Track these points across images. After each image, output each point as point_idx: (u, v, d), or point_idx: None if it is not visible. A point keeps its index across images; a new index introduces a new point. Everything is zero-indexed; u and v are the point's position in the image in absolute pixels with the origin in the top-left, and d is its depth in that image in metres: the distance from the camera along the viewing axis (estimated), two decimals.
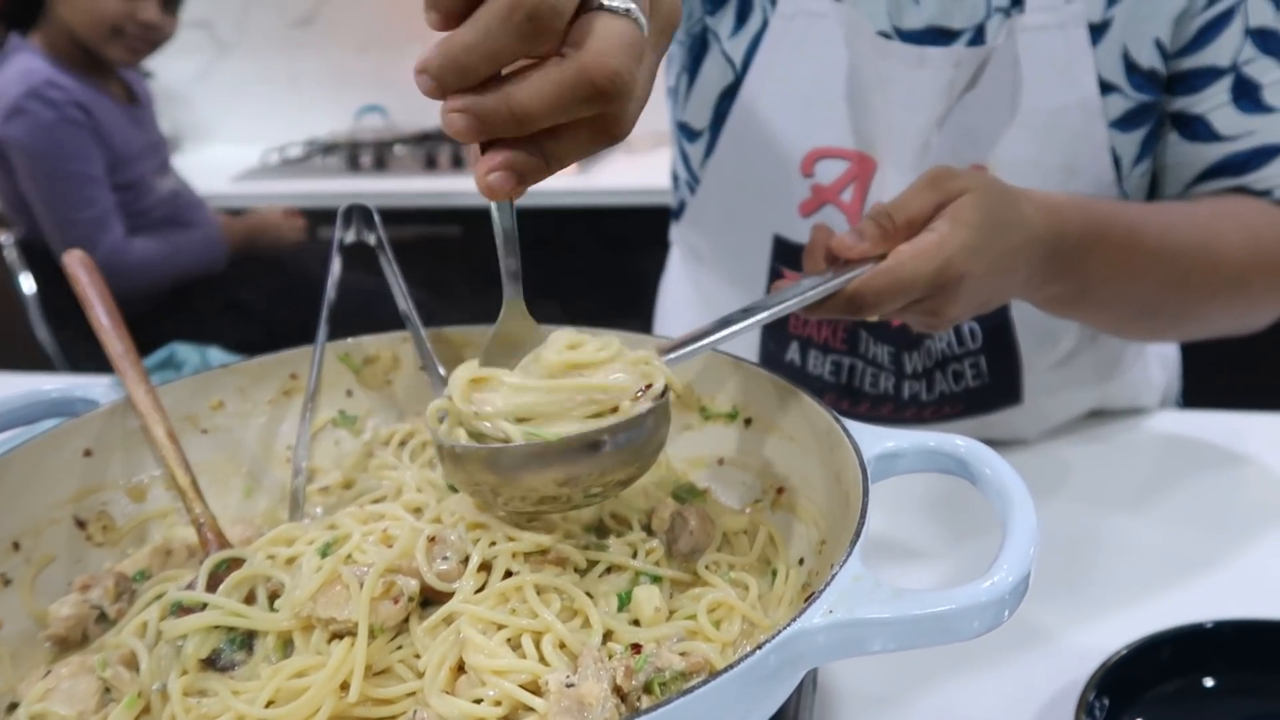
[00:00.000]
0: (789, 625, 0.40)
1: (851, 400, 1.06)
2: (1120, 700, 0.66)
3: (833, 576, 0.43)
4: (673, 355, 0.60)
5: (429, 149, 3.28)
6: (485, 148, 0.49)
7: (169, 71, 3.92)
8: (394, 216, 3.23)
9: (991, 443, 0.94)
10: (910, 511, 0.93)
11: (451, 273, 2.95)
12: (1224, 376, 1.54)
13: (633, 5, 0.46)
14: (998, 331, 1.01)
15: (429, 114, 3.54)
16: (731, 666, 0.38)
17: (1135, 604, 0.79)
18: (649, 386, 0.55)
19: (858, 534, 0.46)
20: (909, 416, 1.06)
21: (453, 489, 0.66)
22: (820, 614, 0.41)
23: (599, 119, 0.48)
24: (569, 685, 0.45)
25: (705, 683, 0.37)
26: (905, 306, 0.71)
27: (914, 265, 0.68)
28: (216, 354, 1.44)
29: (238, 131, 3.64)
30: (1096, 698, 0.65)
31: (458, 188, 3.00)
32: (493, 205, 0.55)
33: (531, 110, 0.46)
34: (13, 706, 0.52)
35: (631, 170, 2.97)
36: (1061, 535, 0.89)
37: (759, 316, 0.64)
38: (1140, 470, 1.03)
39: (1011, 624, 0.75)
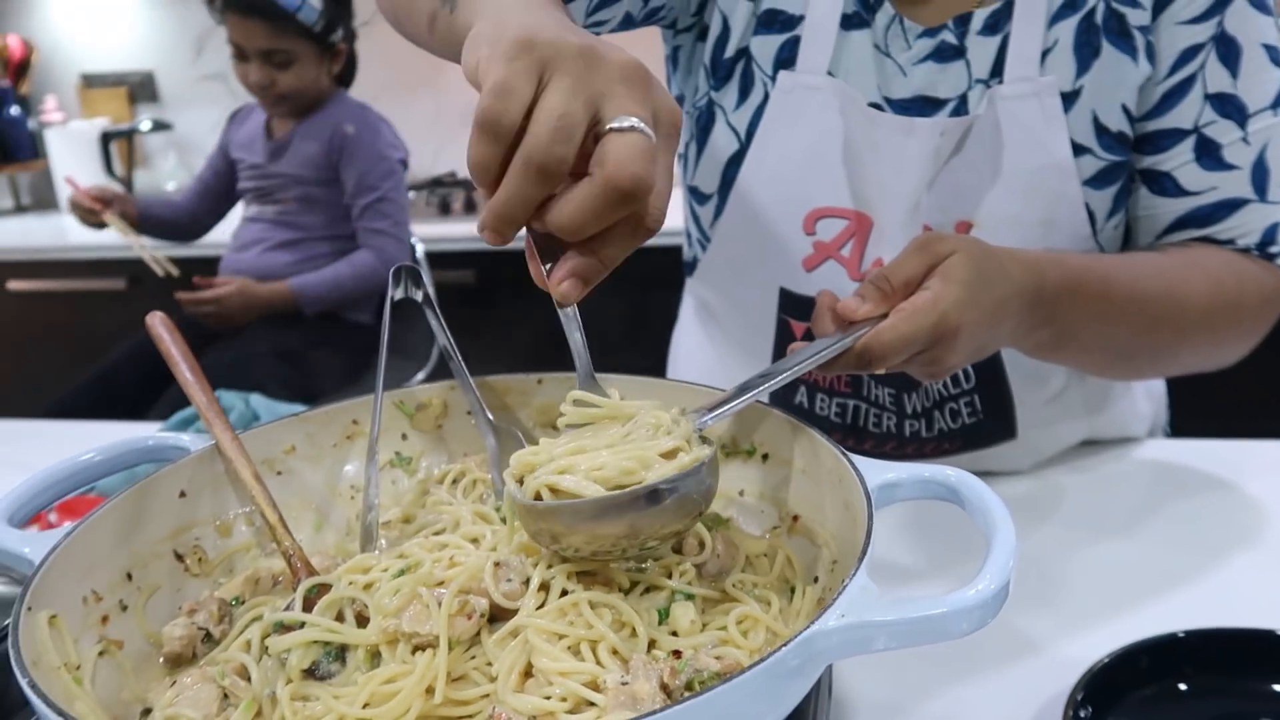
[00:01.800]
0: (808, 628, 0.49)
1: (857, 438, 1.13)
2: (1104, 704, 0.74)
3: (844, 587, 0.51)
4: (706, 418, 0.68)
5: (443, 195, 3.37)
6: (548, 263, 0.60)
7: (186, 122, 4.05)
8: None
9: (988, 474, 1.02)
10: (908, 538, 1.00)
11: (466, 318, 3.04)
12: (1212, 406, 1.62)
13: (635, 120, 0.56)
14: (990, 372, 1.08)
15: (441, 159, 3.67)
16: (759, 662, 0.46)
17: (1117, 617, 0.87)
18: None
19: (864, 551, 0.55)
20: (911, 452, 1.13)
21: (504, 520, 0.75)
22: (834, 618, 0.50)
23: (633, 218, 0.58)
24: (623, 684, 0.54)
25: (735, 676, 0.45)
26: (908, 359, 0.78)
27: (914, 321, 0.75)
28: (259, 400, 1.53)
29: None
30: (1082, 702, 0.73)
31: (471, 232, 3.08)
32: (565, 313, 0.64)
33: (576, 221, 0.56)
34: (146, 711, 0.61)
35: None
36: (1053, 556, 0.96)
37: (779, 378, 0.71)
38: (1128, 496, 1.10)
39: (1005, 636, 0.85)
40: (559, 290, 0.60)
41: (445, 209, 3.35)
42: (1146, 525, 1.02)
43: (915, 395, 1.09)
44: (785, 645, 0.47)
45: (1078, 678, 0.73)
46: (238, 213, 2.87)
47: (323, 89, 2.64)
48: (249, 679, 0.60)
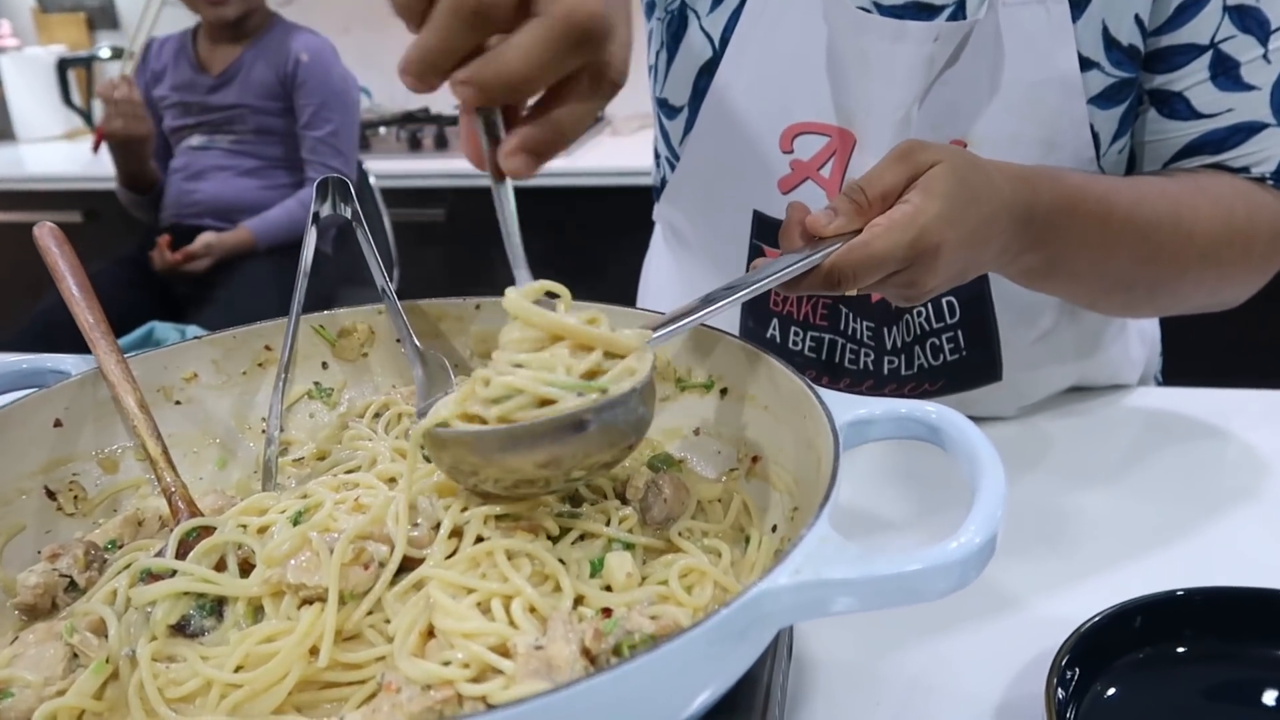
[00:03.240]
0: (755, 585, 0.40)
1: (832, 376, 1.06)
2: (1092, 667, 0.67)
3: (800, 538, 0.43)
4: (659, 334, 0.60)
5: (412, 130, 3.26)
6: (495, 141, 0.51)
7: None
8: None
9: (970, 419, 0.94)
10: (882, 484, 0.93)
11: (436, 255, 2.94)
12: (1205, 354, 1.55)
13: None
14: (975, 305, 1.00)
15: (412, 95, 3.52)
16: (694, 626, 0.38)
17: (1108, 573, 0.80)
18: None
19: (826, 497, 0.46)
20: (889, 392, 1.06)
21: (427, 459, 0.66)
22: (787, 574, 0.41)
23: (593, 71, 0.49)
24: (537, 648, 0.45)
25: (667, 642, 0.37)
26: (883, 279, 0.70)
27: (889, 237, 0.68)
28: (195, 331, 1.44)
29: None
30: (1068, 665, 0.66)
31: (441, 169, 2.98)
32: (497, 190, 0.54)
33: (523, 68, 0.48)
34: None
35: (616, 152, 2.96)
36: (1038, 507, 0.89)
37: (740, 294, 0.64)
38: (1118, 445, 1.03)
39: (986, 592, 0.77)
40: (510, 164, 0.51)
41: (415, 145, 3.23)
42: (1138, 476, 0.95)
43: (896, 329, 1.01)
44: (726, 606, 0.39)
45: (1063, 637, 0.66)
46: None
47: (266, 12, 2.55)
48: (107, 635, 0.51)
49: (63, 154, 3.56)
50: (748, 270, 1.02)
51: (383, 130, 3.25)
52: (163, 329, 1.44)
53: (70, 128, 3.79)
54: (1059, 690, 0.63)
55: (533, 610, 0.49)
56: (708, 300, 0.63)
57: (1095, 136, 0.94)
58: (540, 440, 0.50)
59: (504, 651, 0.46)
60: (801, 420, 0.59)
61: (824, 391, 0.57)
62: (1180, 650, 0.69)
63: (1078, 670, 0.66)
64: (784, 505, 0.60)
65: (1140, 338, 1.20)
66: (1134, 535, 0.85)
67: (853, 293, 0.72)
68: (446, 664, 0.46)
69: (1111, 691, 0.67)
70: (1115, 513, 0.89)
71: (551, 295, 0.56)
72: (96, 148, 2.74)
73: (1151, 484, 0.94)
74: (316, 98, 2.51)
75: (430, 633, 0.49)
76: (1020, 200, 0.76)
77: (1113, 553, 0.82)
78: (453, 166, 2.96)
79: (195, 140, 2.63)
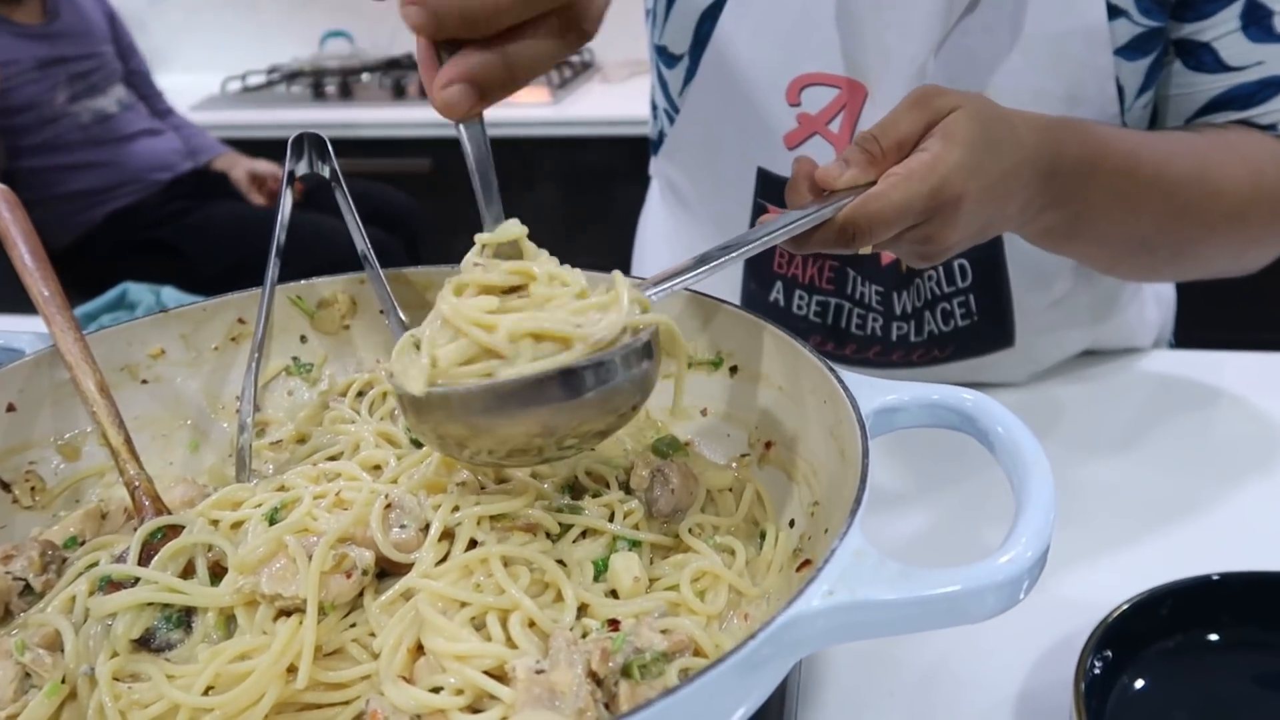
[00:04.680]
0: (785, 610, 0.35)
1: (837, 342, 1.02)
2: (1120, 656, 0.64)
3: (832, 552, 0.38)
4: (650, 293, 0.55)
5: (397, 77, 3.16)
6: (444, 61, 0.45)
7: None
8: (360, 148, 3.12)
9: (979, 385, 0.90)
10: (890, 458, 0.89)
11: (421, 209, 2.87)
12: (1218, 315, 1.51)
13: None
14: (988, 268, 0.96)
15: (397, 40, 3.42)
16: (719, 662, 0.33)
17: (1126, 551, 0.77)
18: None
19: (858, 501, 0.41)
20: (896, 359, 1.02)
21: (416, 444, 0.61)
22: (819, 595, 0.36)
23: (564, 15, 0.43)
24: (539, 671, 0.40)
25: (690, 683, 0.32)
26: (899, 235, 0.66)
27: (908, 187, 0.62)
28: (171, 293, 1.38)
29: (196, 59, 3.49)
30: (1096, 655, 0.62)
31: (428, 118, 2.89)
32: (460, 129, 0.49)
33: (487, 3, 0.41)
34: None
35: (608, 100, 2.88)
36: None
37: (742, 250, 0.59)
38: (1133, 411, 0.99)
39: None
40: (441, 97, 0.44)
41: (400, 92, 3.13)
42: (1161, 446, 0.92)
43: (906, 294, 0.97)
44: (754, 638, 0.34)
45: (1086, 622, 0.63)
46: None
47: None
48: (63, 650, 0.47)
49: None
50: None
51: (365, 77, 3.14)
52: (136, 290, 1.38)
53: None
54: (1086, 681, 0.60)
55: (532, 625, 0.44)
56: (704, 259, 0.58)
57: (1120, 90, 0.89)
58: (531, 399, 0.45)
59: (502, 675, 0.42)
60: (821, 405, 0.54)
61: (847, 374, 0.52)
62: (1214, 638, 0.66)
63: (1105, 660, 0.63)
64: (802, 498, 0.56)
65: (1156, 300, 1.16)
66: (1150, 509, 0.81)
67: (866, 250, 0.67)
68: (437, 690, 0.41)
69: (1141, 683, 0.64)
70: (1131, 484, 0.85)
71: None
72: None
73: (1170, 454, 0.90)
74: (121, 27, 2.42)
75: (420, 648, 0.44)
76: (1044, 152, 0.71)
77: (1130, 528, 0.79)
78: (437, 115, 2.88)
79: (86, 106, 2.42)
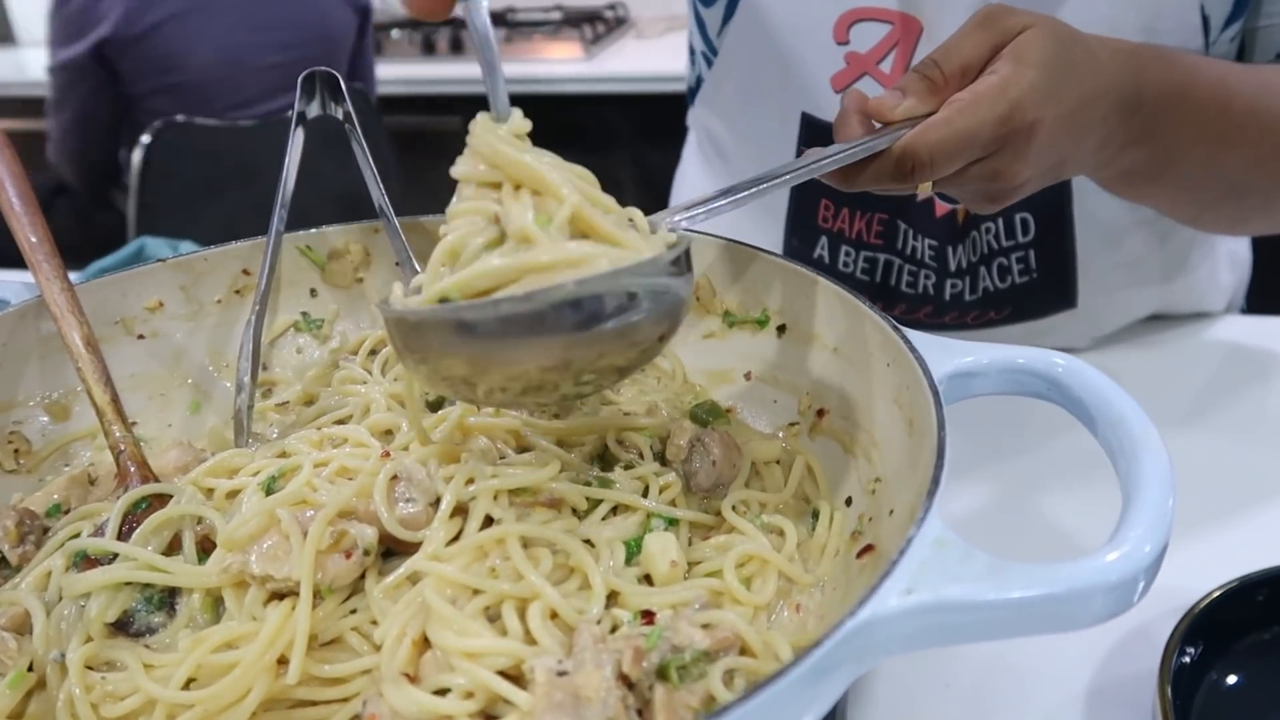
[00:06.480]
0: (857, 611, 0.29)
1: (886, 302, 0.96)
2: (1208, 650, 0.59)
3: (909, 542, 0.32)
4: (674, 219, 0.49)
5: (426, 33, 3.11)
6: None
7: None
8: (388, 105, 3.05)
9: None
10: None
11: (449, 168, 2.82)
12: None
13: None
14: (1053, 222, 0.89)
15: None
16: (781, 674, 0.27)
17: (1207, 535, 0.71)
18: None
19: (935, 481, 0.35)
20: (949, 321, 0.96)
21: (432, 408, 0.56)
22: (896, 594, 0.30)
23: None
24: (561, 673, 0.35)
25: (745, 700, 0.27)
26: (964, 170, 0.59)
27: (975, 113, 0.56)
28: (190, 248, 1.33)
29: None
30: (1181, 649, 0.57)
31: (457, 74, 2.84)
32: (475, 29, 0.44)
33: None
34: None
35: (643, 56, 2.80)
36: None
37: (778, 180, 0.52)
38: (1204, 381, 0.93)
39: (1061, 550, 0.68)
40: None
41: (429, 48, 3.07)
42: (1226, 417, 0.85)
43: (962, 248, 0.90)
44: (819, 646, 0.28)
45: (1157, 608, 0.58)
46: None
47: None
48: (33, 633, 0.42)
49: None
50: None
51: (395, 33, 3.09)
52: (154, 245, 1.34)
53: None
54: (1172, 680, 0.55)
55: (554, 616, 0.39)
56: (731, 190, 0.52)
57: (1205, 21, 0.81)
58: (545, 324, 0.38)
59: (518, 676, 0.36)
60: (885, 369, 0.48)
61: (914, 334, 0.46)
62: None
63: (1193, 652, 0.58)
64: (861, 473, 0.50)
65: (1230, 261, 1.08)
66: (1225, 486, 0.75)
67: (925, 191, 0.60)
68: (444, 692, 0.36)
69: (1234, 678, 0.58)
70: (1202, 459, 0.78)
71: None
72: None
73: (1241, 425, 0.84)
74: None
75: (426, 640, 0.39)
76: (1127, 80, 0.63)
77: (1204, 507, 0.73)
78: (469, 72, 2.81)
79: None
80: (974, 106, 0.55)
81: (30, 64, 3.38)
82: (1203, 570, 0.59)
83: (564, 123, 2.70)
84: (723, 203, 0.51)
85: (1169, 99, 0.67)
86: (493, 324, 0.38)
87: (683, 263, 0.42)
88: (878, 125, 0.59)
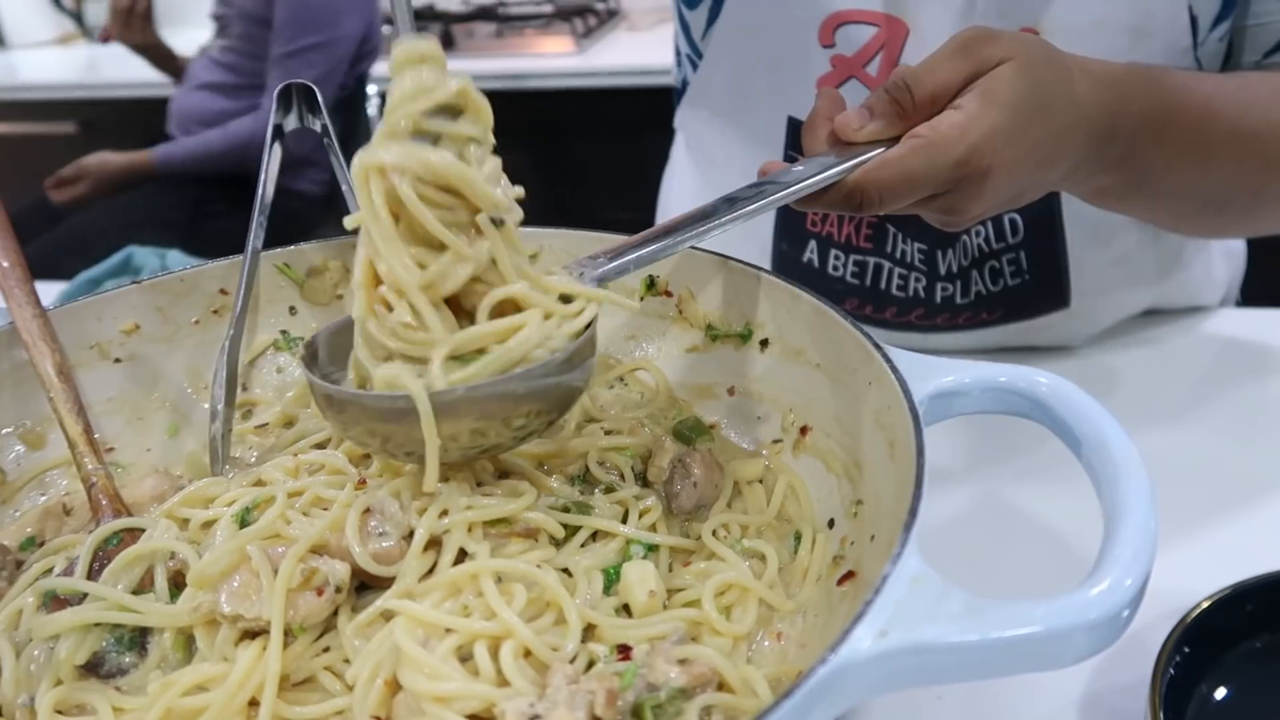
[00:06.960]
0: (828, 658, 0.29)
1: (876, 305, 0.95)
2: (1201, 658, 0.57)
3: (884, 580, 0.31)
4: (603, 270, 0.49)
5: (419, 29, 3.09)
6: None
7: None
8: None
9: (1029, 350, 0.83)
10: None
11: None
12: None
13: None
14: (1043, 223, 0.88)
15: None
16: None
17: (1202, 538, 0.70)
18: None
19: (913, 513, 0.34)
20: (941, 323, 0.95)
21: None
22: (870, 637, 0.30)
23: None
24: (533, 717, 0.34)
25: None
26: (917, 203, 0.59)
27: (930, 155, 0.55)
28: (177, 257, 1.32)
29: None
30: (1171, 659, 0.56)
31: (464, 69, 2.83)
32: None
33: None
34: None
35: (634, 48, 2.78)
36: None
37: (738, 213, 0.52)
38: (1198, 376, 0.92)
39: (1063, 560, 0.67)
40: None
41: (448, 43, 3.05)
42: (1222, 413, 0.84)
43: (951, 252, 0.89)
44: (789, 696, 0.28)
45: (1150, 613, 0.57)
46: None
47: None
48: (2, 677, 0.41)
49: (55, 60, 3.39)
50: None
51: (386, 30, 3.08)
52: (141, 254, 1.33)
53: (62, 32, 3.61)
54: (1164, 692, 0.54)
55: (528, 654, 0.38)
56: (669, 231, 0.51)
57: (1194, 20, 0.80)
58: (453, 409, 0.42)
59: (491, 719, 0.36)
60: (865, 388, 0.47)
61: (896, 353, 0.45)
62: None
63: (1183, 661, 0.56)
64: (844, 495, 0.49)
65: (1225, 255, 1.07)
66: (1221, 486, 0.74)
67: (877, 216, 0.60)
68: None
69: (1224, 690, 0.58)
70: (1198, 458, 0.78)
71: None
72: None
73: (1237, 422, 0.82)
74: (293, 6, 2.23)
75: (399, 681, 0.38)
76: (1103, 114, 0.63)
77: (1198, 509, 0.72)
78: (463, 65, 2.80)
79: (207, 43, 2.42)
80: (929, 149, 0.55)
81: (21, 67, 3.36)
82: (1199, 571, 0.58)
83: (556, 117, 2.69)
84: (660, 245, 0.51)
85: (1149, 127, 0.66)
86: (391, 414, 0.42)
87: (582, 352, 0.46)
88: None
